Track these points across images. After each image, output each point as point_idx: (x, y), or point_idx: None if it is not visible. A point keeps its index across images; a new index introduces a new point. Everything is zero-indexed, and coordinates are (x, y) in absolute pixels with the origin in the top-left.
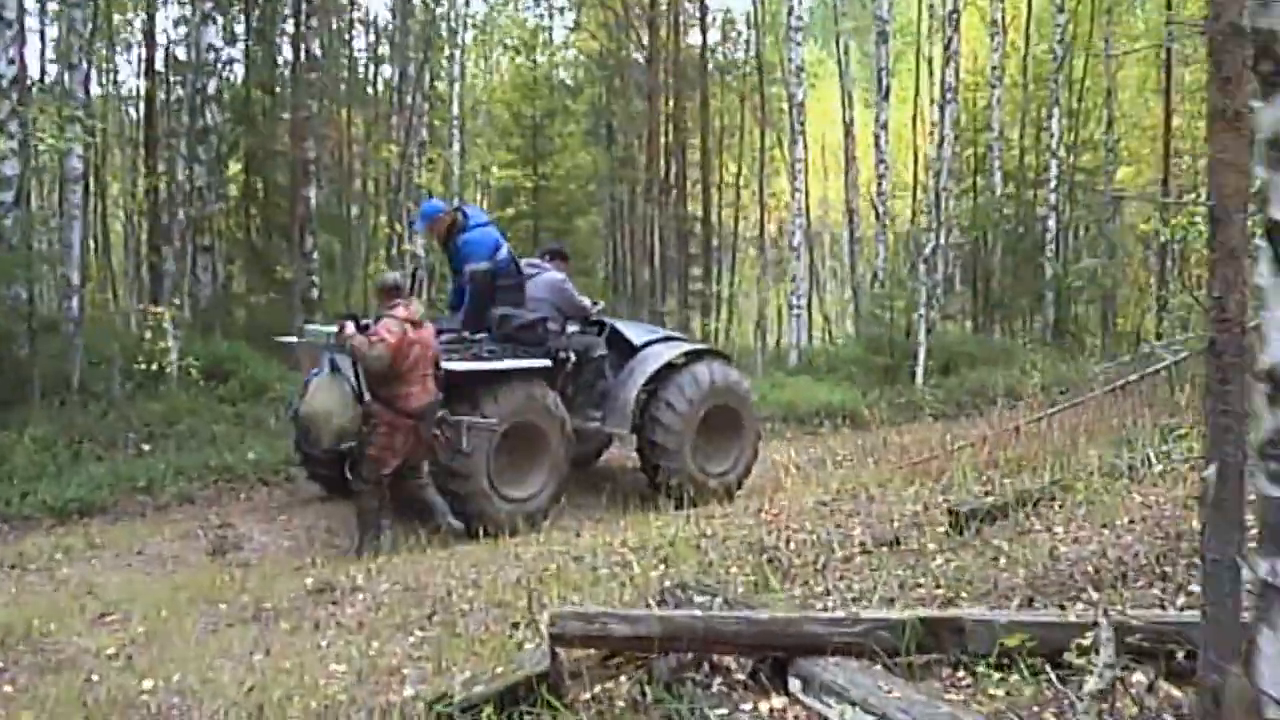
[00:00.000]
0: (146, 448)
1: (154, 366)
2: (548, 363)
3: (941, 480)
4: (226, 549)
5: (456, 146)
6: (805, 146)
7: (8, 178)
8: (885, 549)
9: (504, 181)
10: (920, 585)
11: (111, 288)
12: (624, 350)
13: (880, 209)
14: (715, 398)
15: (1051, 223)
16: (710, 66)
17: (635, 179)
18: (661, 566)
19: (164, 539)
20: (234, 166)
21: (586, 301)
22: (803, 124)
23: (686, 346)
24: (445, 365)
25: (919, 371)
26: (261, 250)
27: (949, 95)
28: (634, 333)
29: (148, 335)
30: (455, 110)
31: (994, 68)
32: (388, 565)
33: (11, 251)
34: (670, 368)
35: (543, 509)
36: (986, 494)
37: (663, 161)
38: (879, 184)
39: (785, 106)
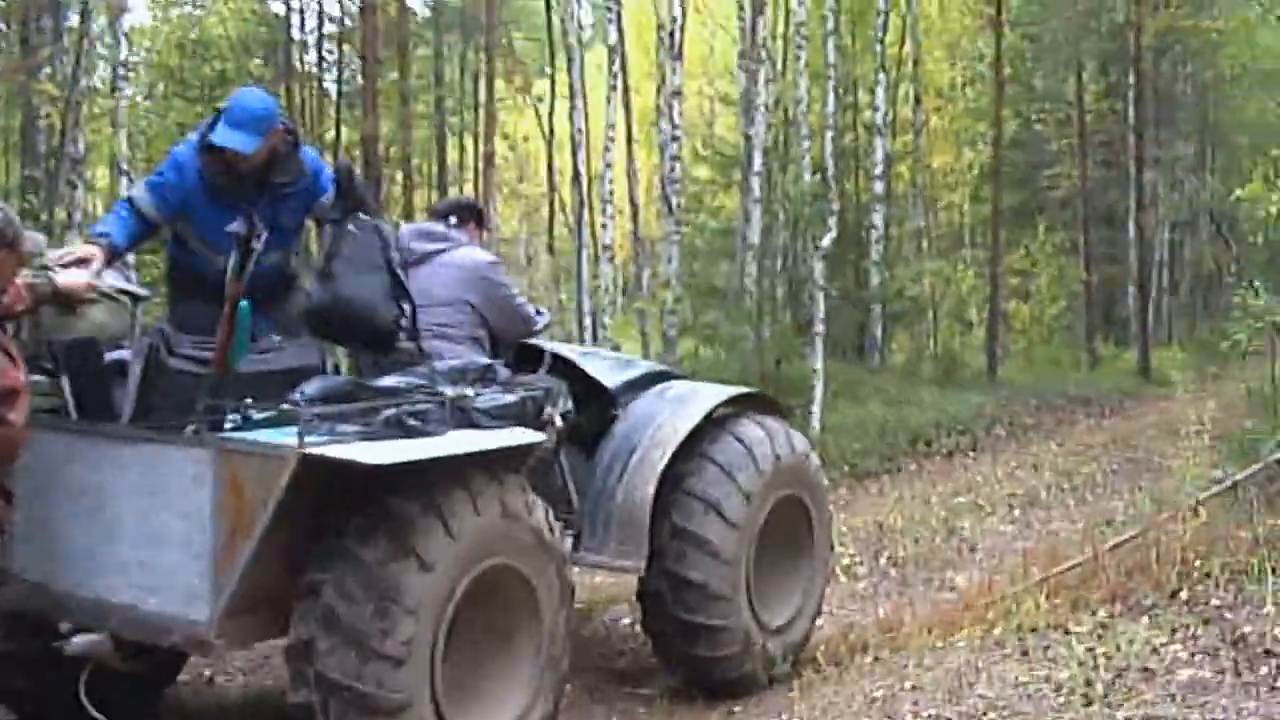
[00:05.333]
0: None
1: None
2: (539, 437)
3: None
4: None
5: (124, 103)
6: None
7: None
8: None
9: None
10: None
11: None
12: (592, 402)
13: (673, 201)
14: (781, 486)
15: (878, 218)
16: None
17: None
18: None
19: None
20: None
21: (531, 307)
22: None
23: (715, 393)
24: (323, 451)
25: (816, 410)
26: None
27: (763, 52)
28: (599, 368)
29: None
30: (123, 54)
31: (799, 24)
32: None
33: None
34: (698, 433)
35: None
36: None
37: None
38: (671, 168)
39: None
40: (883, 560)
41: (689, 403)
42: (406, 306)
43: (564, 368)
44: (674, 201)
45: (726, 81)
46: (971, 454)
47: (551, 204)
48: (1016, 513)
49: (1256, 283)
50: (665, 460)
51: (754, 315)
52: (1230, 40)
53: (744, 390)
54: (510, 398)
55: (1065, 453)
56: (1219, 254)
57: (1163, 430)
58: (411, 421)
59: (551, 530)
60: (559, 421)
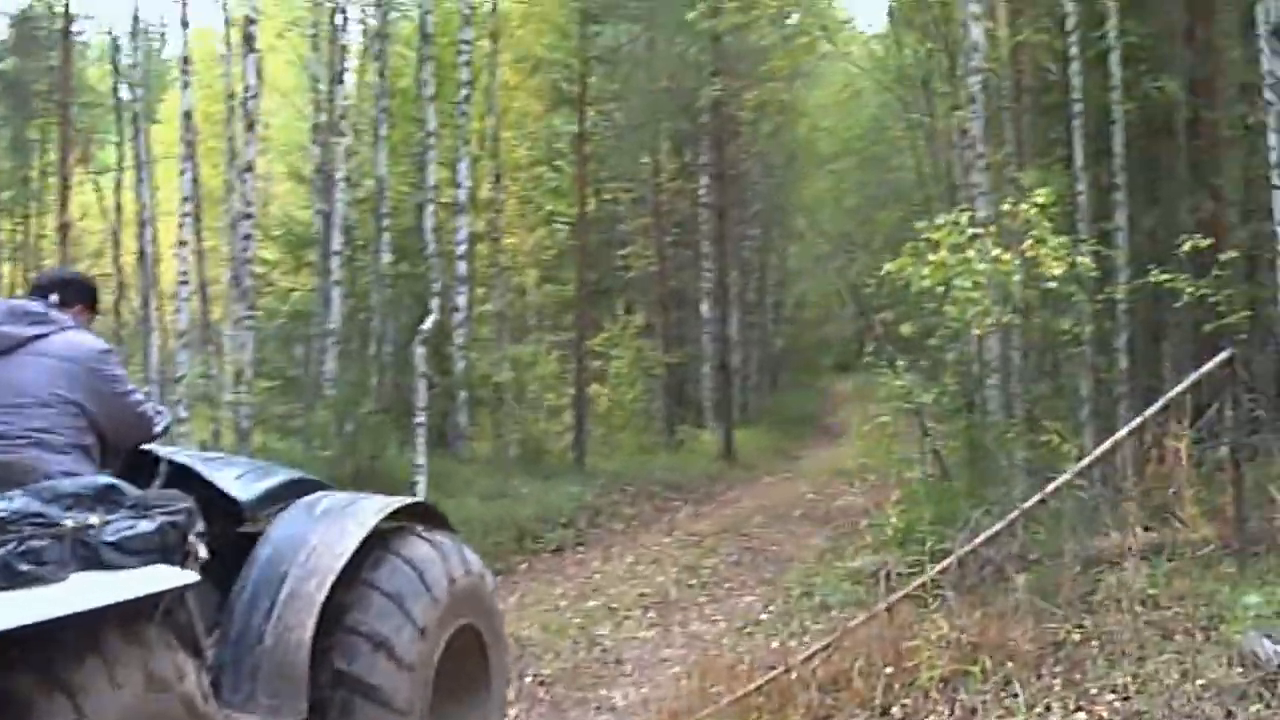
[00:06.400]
0: None
1: None
2: (191, 576)
3: None
4: None
5: None
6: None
7: None
8: None
9: None
10: None
11: None
12: (221, 520)
13: (246, 284)
14: (458, 615)
15: (461, 299)
16: None
17: None
18: None
19: None
20: None
21: (150, 406)
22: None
23: (376, 506)
24: None
25: None
26: None
27: (343, 125)
28: (228, 478)
29: None
30: None
31: (380, 95)
32: None
33: None
34: (358, 556)
35: None
36: None
37: None
38: (244, 248)
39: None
40: (529, 679)
41: (345, 518)
42: None
43: (184, 478)
44: (247, 284)
45: (296, 157)
46: (581, 549)
47: (117, 286)
48: (652, 615)
49: (899, 362)
50: (325, 591)
51: (340, 405)
52: (803, 120)
53: (407, 501)
54: (147, 525)
55: (678, 544)
56: (864, 331)
57: (768, 516)
58: (22, 565)
59: (205, 698)
60: (202, 551)
